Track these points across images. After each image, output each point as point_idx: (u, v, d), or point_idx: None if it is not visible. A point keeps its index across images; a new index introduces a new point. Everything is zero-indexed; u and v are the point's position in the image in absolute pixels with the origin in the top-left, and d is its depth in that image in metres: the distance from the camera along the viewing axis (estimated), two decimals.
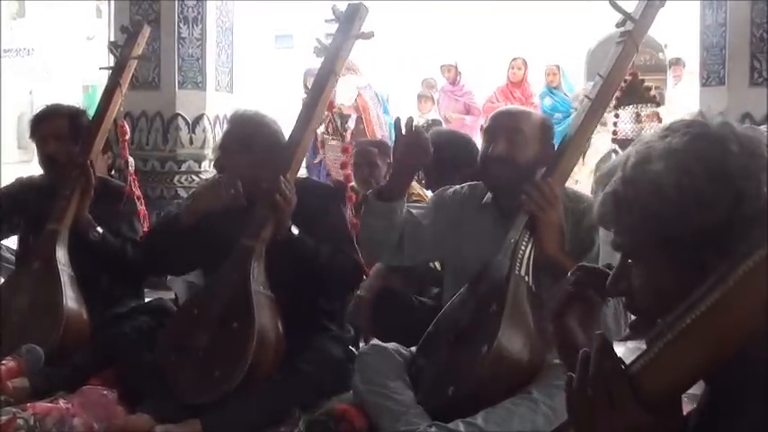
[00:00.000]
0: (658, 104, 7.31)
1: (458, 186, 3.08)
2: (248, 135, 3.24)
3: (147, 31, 4.04)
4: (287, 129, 3.32)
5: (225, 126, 5.61)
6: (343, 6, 3.14)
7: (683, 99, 8.57)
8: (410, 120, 2.90)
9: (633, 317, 1.33)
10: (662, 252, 1.23)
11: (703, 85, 5.04)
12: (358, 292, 3.45)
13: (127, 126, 3.90)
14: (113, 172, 5.16)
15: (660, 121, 7.16)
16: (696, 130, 1.24)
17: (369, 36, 3.20)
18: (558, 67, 9.87)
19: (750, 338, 1.05)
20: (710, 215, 1.18)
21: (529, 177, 2.77)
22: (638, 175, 1.24)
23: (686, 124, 1.26)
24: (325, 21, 3.28)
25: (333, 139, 7.86)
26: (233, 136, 3.29)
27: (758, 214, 1.17)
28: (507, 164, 2.79)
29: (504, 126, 2.85)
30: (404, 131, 2.85)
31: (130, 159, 3.82)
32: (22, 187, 3.86)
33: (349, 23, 3.13)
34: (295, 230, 3.08)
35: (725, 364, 1.07)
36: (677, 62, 10.42)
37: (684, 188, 1.19)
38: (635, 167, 1.24)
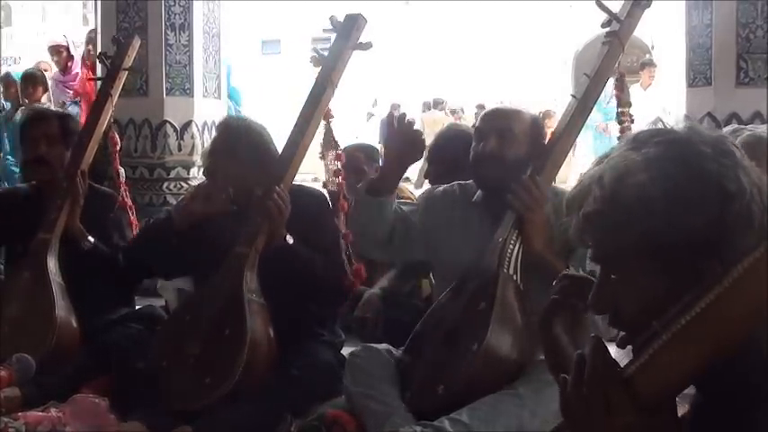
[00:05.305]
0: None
1: (447, 186, 3.08)
2: (235, 141, 3.24)
3: (137, 42, 4.02)
4: (277, 133, 3.34)
5: (213, 132, 5.64)
6: (340, 16, 3.14)
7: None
8: (403, 115, 2.91)
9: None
10: (655, 262, 1.22)
11: (690, 85, 5.05)
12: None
13: (117, 137, 3.89)
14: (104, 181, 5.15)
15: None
16: (667, 137, 1.24)
17: (367, 47, 3.13)
18: None
19: (745, 340, 1.05)
20: (701, 218, 1.18)
21: (519, 175, 2.78)
22: (619, 191, 1.22)
23: (652, 134, 1.26)
24: (324, 30, 3.18)
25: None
26: (220, 142, 3.31)
27: (746, 212, 1.18)
28: (497, 162, 2.81)
29: (493, 125, 2.87)
30: (396, 126, 2.86)
31: (121, 170, 3.81)
32: (2, 197, 3.83)
33: (347, 34, 3.10)
34: (290, 239, 3.08)
35: (718, 366, 1.07)
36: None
37: (671, 195, 1.19)
38: (614, 183, 1.23)
